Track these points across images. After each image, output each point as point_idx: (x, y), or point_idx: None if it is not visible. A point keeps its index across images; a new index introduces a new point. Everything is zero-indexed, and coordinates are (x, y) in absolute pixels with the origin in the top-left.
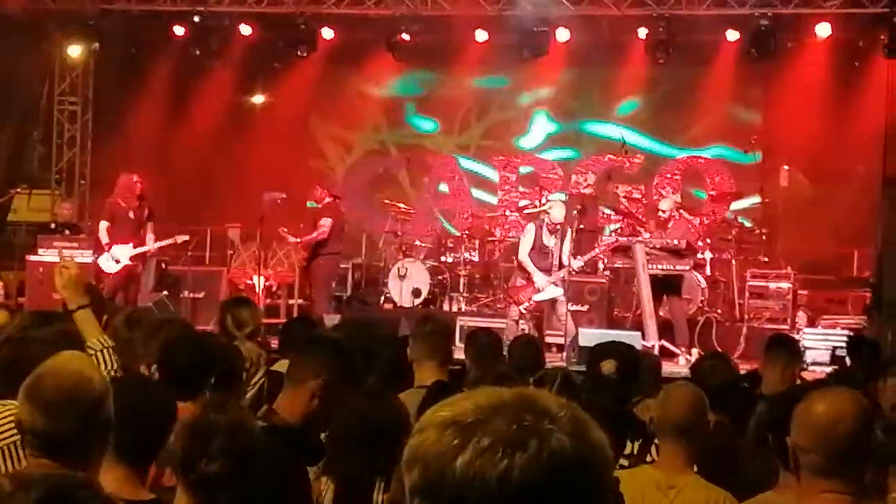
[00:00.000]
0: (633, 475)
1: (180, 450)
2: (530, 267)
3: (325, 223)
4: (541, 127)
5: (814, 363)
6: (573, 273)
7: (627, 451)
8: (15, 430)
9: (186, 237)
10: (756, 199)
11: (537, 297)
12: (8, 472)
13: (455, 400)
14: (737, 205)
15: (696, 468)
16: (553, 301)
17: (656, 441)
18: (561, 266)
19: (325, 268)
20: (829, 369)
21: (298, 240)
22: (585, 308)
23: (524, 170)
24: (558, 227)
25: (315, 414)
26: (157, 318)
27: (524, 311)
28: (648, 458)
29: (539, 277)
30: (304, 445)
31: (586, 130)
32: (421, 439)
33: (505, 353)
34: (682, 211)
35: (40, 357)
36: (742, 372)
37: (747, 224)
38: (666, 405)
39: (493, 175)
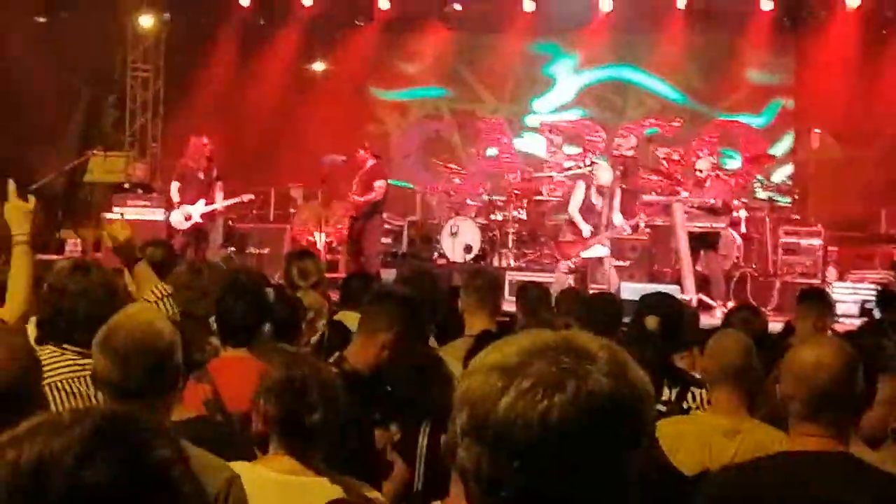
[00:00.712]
0: (696, 422)
1: (279, 407)
2: (580, 221)
3: (381, 184)
4: (585, 91)
5: (843, 315)
6: (622, 235)
7: (665, 397)
8: (59, 370)
9: (252, 196)
10: (788, 170)
11: (585, 254)
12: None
13: (500, 344)
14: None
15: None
16: (596, 259)
17: (692, 388)
18: (608, 226)
19: (377, 225)
20: (858, 321)
21: (362, 199)
22: (627, 263)
23: (568, 133)
24: (606, 188)
25: (384, 364)
26: (225, 269)
27: (571, 266)
28: (685, 406)
29: (586, 229)
30: (372, 393)
31: (627, 92)
32: (468, 383)
33: (552, 304)
34: (718, 172)
35: (78, 307)
36: (775, 323)
37: (781, 182)
38: (718, 353)
39: (539, 138)
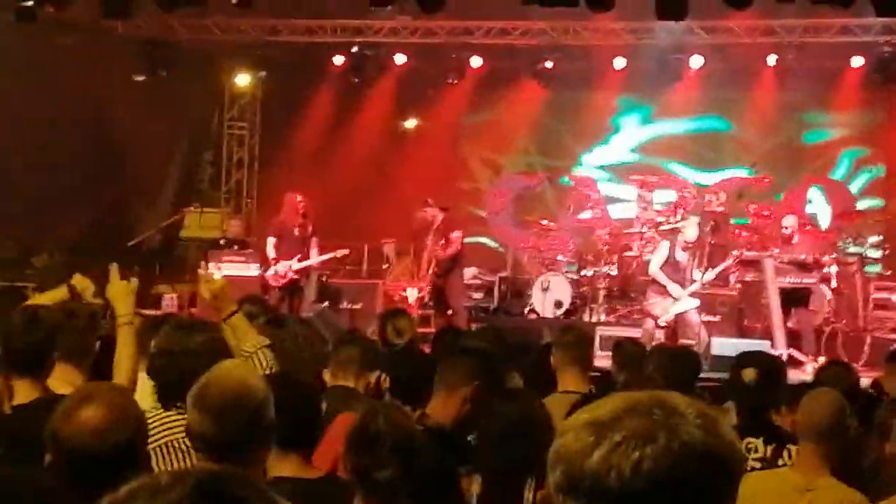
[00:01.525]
0: (771, 477)
1: (352, 458)
2: (663, 279)
3: (457, 234)
4: (678, 145)
5: None
6: (706, 285)
7: (760, 453)
8: (166, 434)
9: (346, 251)
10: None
11: (674, 309)
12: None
13: (594, 405)
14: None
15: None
16: (684, 312)
17: (789, 446)
18: (692, 281)
19: (460, 278)
20: None
21: (445, 253)
22: (717, 318)
23: (660, 191)
24: (691, 244)
25: (466, 417)
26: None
27: (662, 324)
28: (780, 462)
29: (674, 288)
30: (456, 447)
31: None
32: (563, 441)
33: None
34: (807, 227)
35: (191, 368)
36: (865, 380)
37: (870, 254)
38: (809, 409)
39: (630, 194)
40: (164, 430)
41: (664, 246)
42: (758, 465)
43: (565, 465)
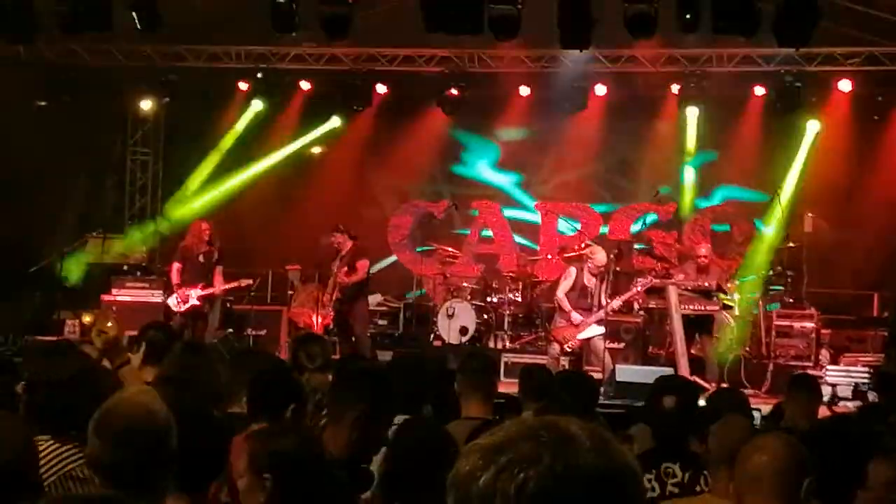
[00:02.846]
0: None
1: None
2: (566, 306)
3: (364, 263)
4: (582, 176)
5: (836, 397)
6: (612, 312)
7: (678, 478)
8: (63, 465)
9: (251, 281)
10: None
11: (581, 336)
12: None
13: (491, 431)
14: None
15: None
16: (589, 339)
17: (705, 472)
18: (600, 306)
19: (365, 305)
20: (850, 404)
21: (348, 280)
22: (621, 346)
23: (564, 217)
24: (600, 269)
25: (356, 444)
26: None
27: (567, 349)
28: (697, 489)
29: (575, 316)
30: (351, 476)
31: (622, 181)
32: (457, 467)
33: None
34: (710, 255)
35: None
36: (767, 406)
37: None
38: (722, 435)
39: (535, 220)
40: (60, 462)
41: (571, 272)
42: (676, 490)
43: (455, 490)
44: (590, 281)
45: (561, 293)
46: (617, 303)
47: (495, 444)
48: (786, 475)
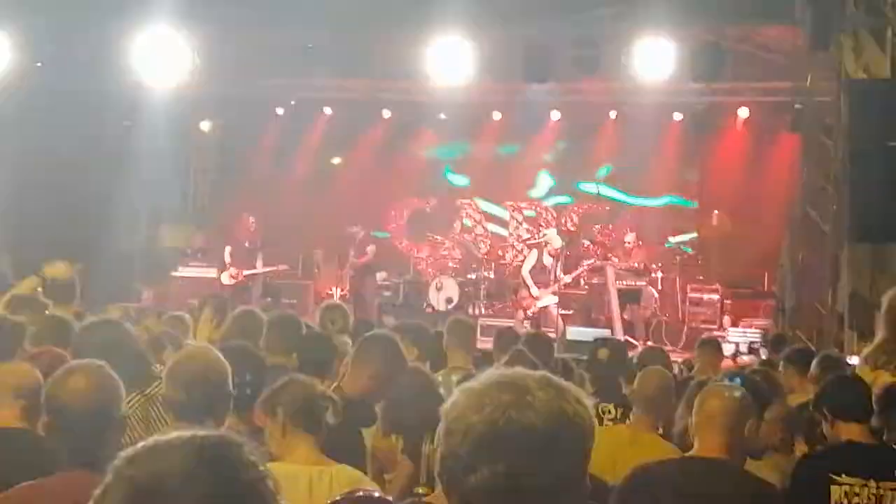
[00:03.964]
0: (607, 431)
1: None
2: (529, 281)
3: (372, 248)
4: (542, 182)
5: (738, 352)
6: (563, 287)
7: (613, 415)
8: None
9: (286, 266)
10: (694, 234)
11: (540, 304)
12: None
13: (474, 379)
14: (680, 238)
15: (660, 430)
16: (546, 307)
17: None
18: (556, 281)
19: (374, 280)
20: (746, 358)
21: (360, 260)
22: (571, 312)
23: (527, 212)
24: (556, 251)
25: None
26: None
27: (529, 315)
28: (627, 422)
29: (535, 289)
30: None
31: (575, 186)
32: (453, 404)
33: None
34: (640, 242)
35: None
36: (680, 359)
37: (689, 251)
38: (641, 383)
39: (505, 215)
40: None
41: (533, 254)
42: (611, 424)
43: (450, 420)
44: (548, 260)
45: (525, 271)
46: (568, 279)
47: (481, 390)
48: (733, 416)
